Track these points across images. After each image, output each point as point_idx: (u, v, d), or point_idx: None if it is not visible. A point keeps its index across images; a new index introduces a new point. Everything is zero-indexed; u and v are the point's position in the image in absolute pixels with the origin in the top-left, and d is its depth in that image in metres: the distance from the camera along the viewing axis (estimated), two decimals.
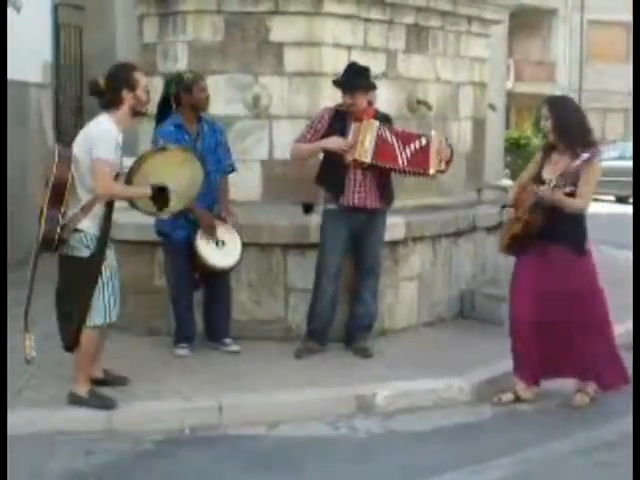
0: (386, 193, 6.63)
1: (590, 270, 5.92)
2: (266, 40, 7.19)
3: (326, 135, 6.45)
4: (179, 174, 5.61)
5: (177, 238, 6.45)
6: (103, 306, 5.43)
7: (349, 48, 7.40)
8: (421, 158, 6.36)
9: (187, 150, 5.95)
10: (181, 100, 6.46)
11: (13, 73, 9.46)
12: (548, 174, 5.83)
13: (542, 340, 5.87)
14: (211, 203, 6.50)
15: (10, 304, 6.62)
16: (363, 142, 6.27)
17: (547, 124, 5.88)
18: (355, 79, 6.45)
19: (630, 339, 6.88)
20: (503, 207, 6.04)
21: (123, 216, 6.75)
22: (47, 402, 5.53)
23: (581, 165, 5.65)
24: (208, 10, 7.19)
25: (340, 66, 7.24)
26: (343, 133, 6.38)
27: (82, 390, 5.51)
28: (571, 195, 5.71)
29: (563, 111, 5.88)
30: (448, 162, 6.46)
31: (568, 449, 5.29)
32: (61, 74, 12.16)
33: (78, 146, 5.36)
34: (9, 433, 5.16)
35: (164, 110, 6.53)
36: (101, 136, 5.29)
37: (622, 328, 6.94)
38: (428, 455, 5.20)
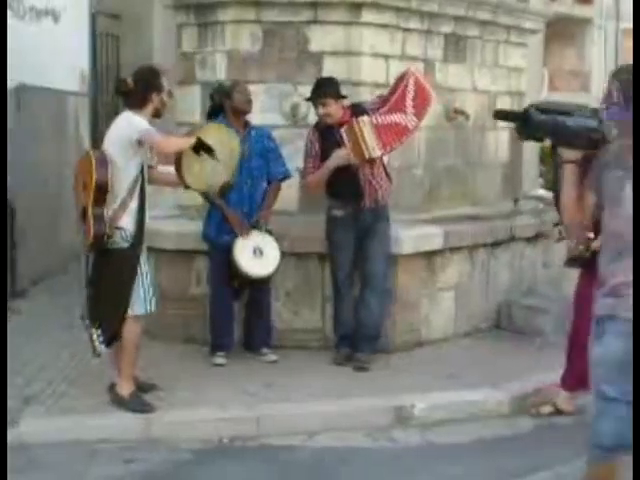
0: (388, 178, 6.66)
1: None
2: (305, 49, 7.19)
3: (323, 155, 6.48)
4: (219, 146, 5.73)
5: (221, 243, 6.47)
6: (143, 296, 5.56)
7: (387, 57, 7.39)
8: (422, 98, 6.43)
9: (220, 124, 6.15)
10: (224, 108, 6.51)
11: (50, 81, 9.54)
12: None
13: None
14: (254, 209, 6.52)
15: (55, 311, 6.66)
16: (364, 140, 6.26)
17: None
18: (318, 91, 6.46)
19: None
20: (556, 225, 5.98)
21: (162, 224, 6.80)
22: (86, 410, 5.56)
23: None
24: (247, 20, 7.21)
25: (378, 75, 7.27)
26: (338, 143, 6.37)
27: (125, 390, 5.56)
28: None
29: None
30: None
31: None
32: (98, 82, 12.22)
33: (109, 144, 5.55)
34: (48, 440, 5.22)
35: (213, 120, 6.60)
36: (131, 119, 5.52)
37: None
38: (466, 468, 5.15)
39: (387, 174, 6.64)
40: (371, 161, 6.38)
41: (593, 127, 3.76)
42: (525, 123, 3.83)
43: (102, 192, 5.38)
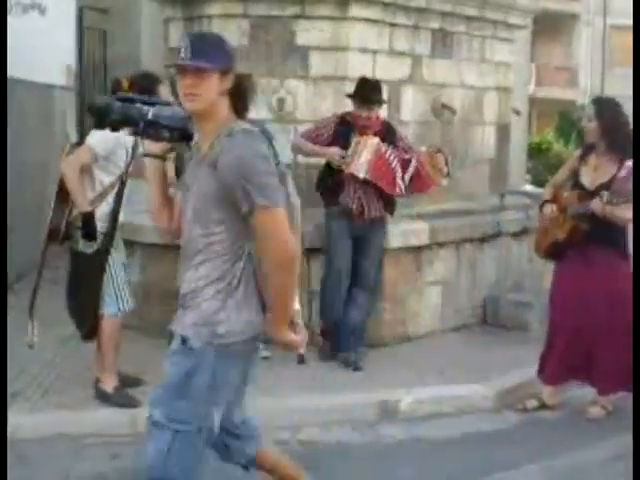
0: (389, 204, 6.62)
1: (629, 273, 5.79)
2: (292, 44, 7.19)
3: (330, 142, 6.48)
4: None
5: None
6: (115, 296, 5.55)
7: (374, 53, 7.39)
8: (419, 182, 6.44)
9: None
10: None
11: (38, 75, 9.51)
12: (587, 178, 5.75)
13: (571, 343, 5.83)
14: None
15: (40, 305, 6.63)
16: (360, 156, 6.31)
17: (590, 125, 5.75)
18: (373, 94, 6.46)
19: None
20: (542, 206, 5.98)
21: (149, 219, 6.77)
22: (73, 404, 5.55)
23: (628, 175, 5.57)
24: (234, 14, 7.20)
25: (365, 71, 7.26)
26: (346, 143, 6.40)
27: (108, 386, 5.57)
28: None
29: (612, 114, 5.72)
30: (448, 172, 6.52)
31: (595, 457, 5.25)
32: (85, 77, 12.21)
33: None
34: (35, 435, 5.21)
35: None
36: (101, 133, 5.39)
37: None
38: (453, 462, 5.17)
39: (384, 203, 6.57)
40: (355, 179, 6.37)
41: (183, 117, 3.38)
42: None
43: (66, 187, 5.35)
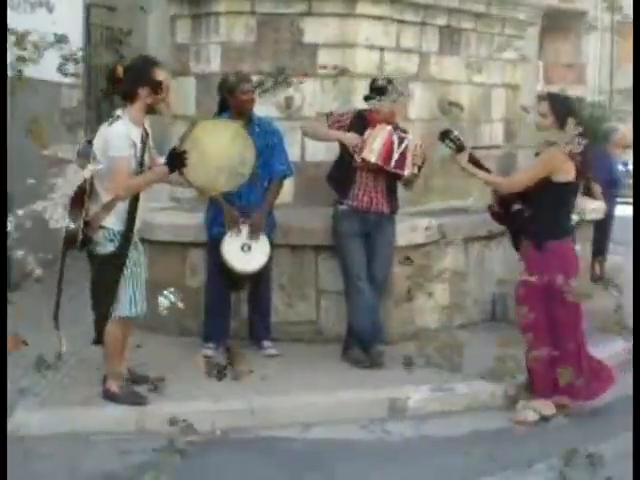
0: (394, 199, 6.63)
1: (550, 268, 5.74)
2: (299, 41, 7.20)
3: (345, 132, 6.46)
4: (229, 150, 5.71)
5: (213, 234, 6.47)
6: (130, 298, 5.48)
7: (382, 50, 7.39)
8: (401, 160, 6.40)
9: (239, 126, 5.99)
10: (228, 103, 6.46)
11: (45, 73, 9.51)
12: None
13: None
14: (253, 206, 6.42)
15: (44, 302, 6.64)
16: (372, 143, 6.31)
17: (545, 122, 5.74)
18: (396, 89, 6.48)
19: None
20: None
21: (156, 216, 6.80)
22: (81, 401, 5.55)
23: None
24: (241, 11, 7.21)
25: (373, 67, 7.27)
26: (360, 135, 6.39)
27: (114, 386, 5.57)
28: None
29: (564, 110, 5.73)
30: (420, 167, 6.49)
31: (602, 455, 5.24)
32: (92, 74, 12.20)
33: (96, 146, 5.41)
34: (43, 432, 5.22)
35: (222, 111, 6.54)
36: (112, 135, 5.33)
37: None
38: (461, 460, 5.17)
39: (390, 199, 6.59)
40: (367, 164, 6.35)
41: None
42: None
43: (79, 188, 5.30)
